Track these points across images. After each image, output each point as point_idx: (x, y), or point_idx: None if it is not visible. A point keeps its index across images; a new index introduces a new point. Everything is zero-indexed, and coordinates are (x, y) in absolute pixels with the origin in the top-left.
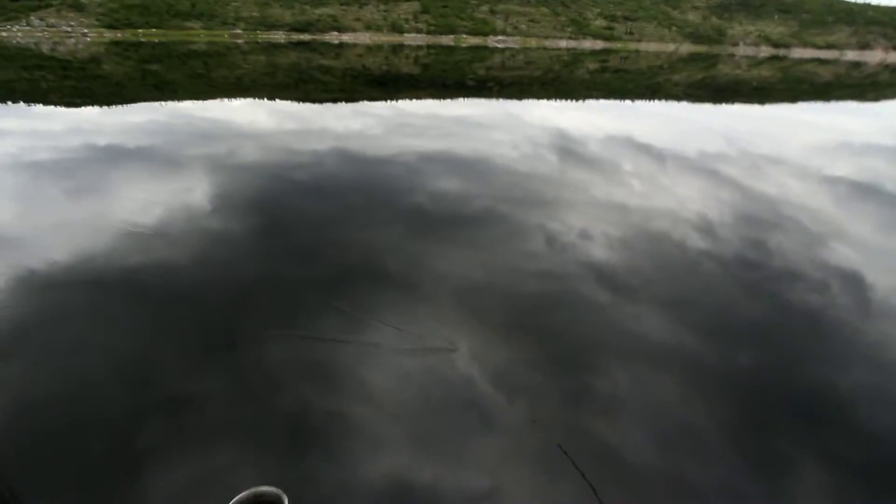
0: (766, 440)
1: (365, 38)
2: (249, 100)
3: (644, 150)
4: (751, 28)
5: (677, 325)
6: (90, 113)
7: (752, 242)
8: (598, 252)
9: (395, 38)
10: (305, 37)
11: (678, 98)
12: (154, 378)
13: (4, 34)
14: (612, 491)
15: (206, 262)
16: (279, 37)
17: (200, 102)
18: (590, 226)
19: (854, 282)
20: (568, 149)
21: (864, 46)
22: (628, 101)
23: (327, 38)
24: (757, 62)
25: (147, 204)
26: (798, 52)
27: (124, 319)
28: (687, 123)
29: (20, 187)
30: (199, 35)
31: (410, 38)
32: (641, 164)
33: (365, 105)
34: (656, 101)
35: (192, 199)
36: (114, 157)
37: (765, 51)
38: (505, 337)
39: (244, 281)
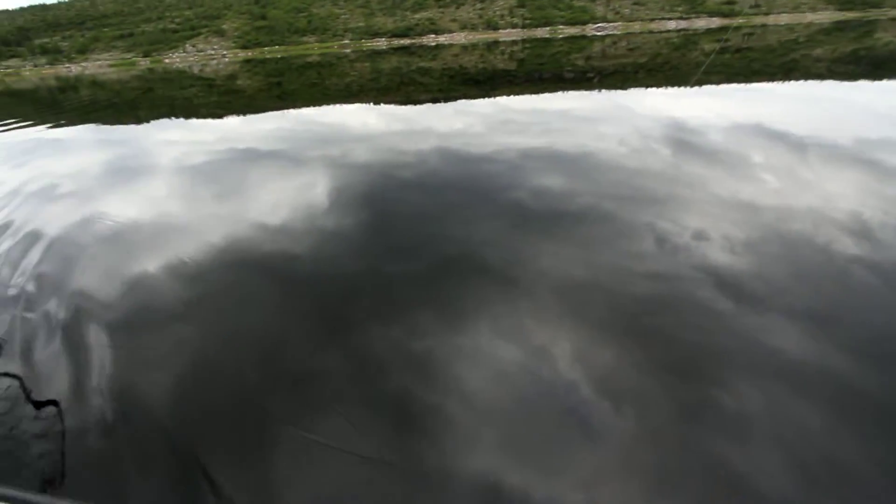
0: None
1: (460, 37)
2: (358, 105)
3: (779, 138)
4: None
5: (820, 341)
6: (231, 123)
7: None
8: (719, 255)
9: (489, 36)
10: (405, 41)
11: (821, 76)
12: (283, 348)
13: (167, 61)
14: None
15: (324, 251)
16: (381, 44)
17: (317, 109)
18: (709, 226)
19: None
20: (683, 140)
21: None
22: (756, 84)
23: (424, 40)
24: None
25: (278, 200)
26: None
27: (259, 297)
28: (835, 105)
29: (184, 187)
30: (313, 48)
31: (505, 34)
32: (776, 155)
33: (464, 103)
34: (792, 82)
35: (314, 196)
36: (251, 159)
37: None
38: (610, 340)
39: (355, 269)
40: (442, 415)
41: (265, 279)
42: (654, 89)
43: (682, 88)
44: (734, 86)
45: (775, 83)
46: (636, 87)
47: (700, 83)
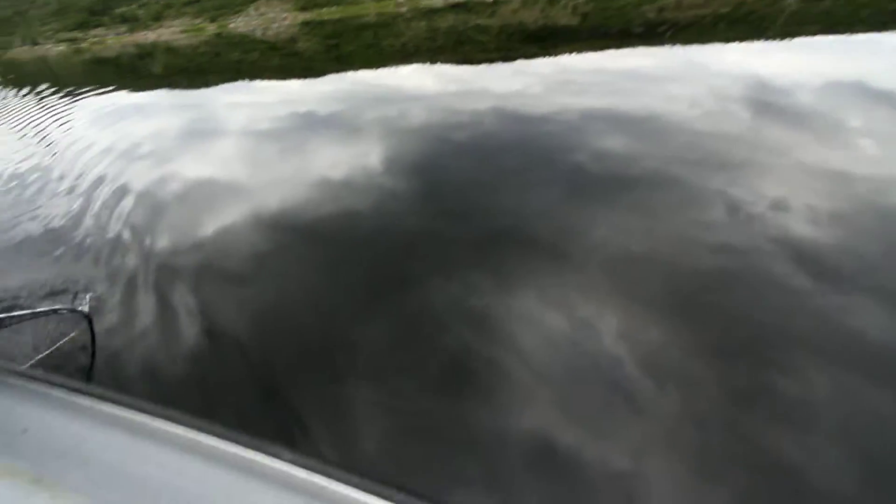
0: None
1: None
2: (414, 65)
3: (884, 99)
4: None
5: None
6: (292, 85)
7: None
8: (800, 227)
9: None
10: None
11: None
12: (340, 304)
13: (231, 25)
14: None
15: (381, 210)
16: (438, 1)
17: (373, 71)
18: (790, 195)
19: None
20: (767, 101)
21: None
22: (861, 35)
23: None
24: None
25: (336, 159)
26: None
27: (318, 255)
28: None
29: (250, 146)
30: (369, 8)
31: None
32: (878, 118)
33: (523, 63)
34: None
35: (371, 156)
36: (311, 122)
37: None
38: (671, 315)
39: (412, 230)
40: (495, 374)
41: (327, 234)
42: (735, 44)
43: (769, 42)
44: (833, 37)
45: (885, 34)
46: (715, 41)
47: (791, 35)
